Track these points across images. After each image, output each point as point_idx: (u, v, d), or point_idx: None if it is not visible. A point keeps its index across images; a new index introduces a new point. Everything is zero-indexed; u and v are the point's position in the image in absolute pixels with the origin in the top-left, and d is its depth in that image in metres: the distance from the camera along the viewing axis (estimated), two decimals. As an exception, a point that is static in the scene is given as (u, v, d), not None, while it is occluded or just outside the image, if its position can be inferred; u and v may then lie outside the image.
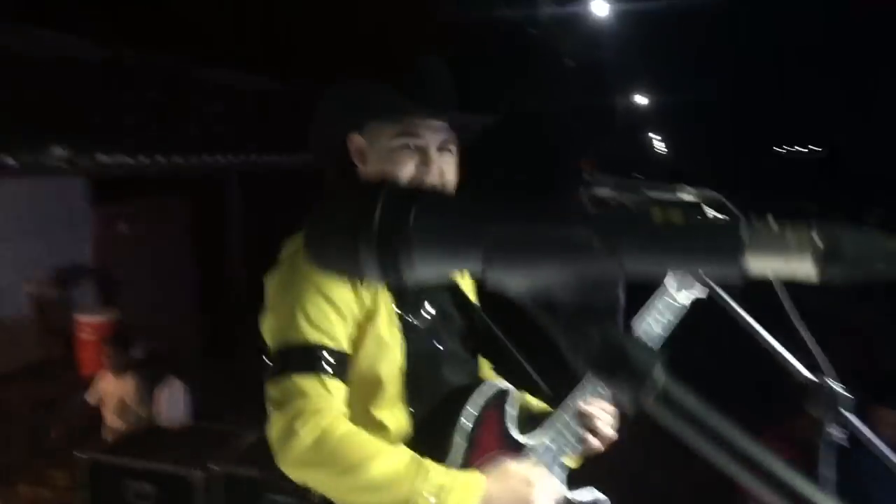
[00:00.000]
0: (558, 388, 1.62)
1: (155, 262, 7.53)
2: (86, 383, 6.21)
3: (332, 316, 1.44)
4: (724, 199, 1.26)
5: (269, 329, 1.46)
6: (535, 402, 1.71)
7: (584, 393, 1.59)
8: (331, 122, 1.61)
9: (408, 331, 1.51)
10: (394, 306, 1.51)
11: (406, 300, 1.54)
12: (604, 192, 1.35)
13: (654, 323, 1.65)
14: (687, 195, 1.32)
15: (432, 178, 1.55)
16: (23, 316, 6.29)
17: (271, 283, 1.49)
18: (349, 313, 1.46)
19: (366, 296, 1.49)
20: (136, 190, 7.15)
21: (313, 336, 1.41)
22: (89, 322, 6.24)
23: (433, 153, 1.55)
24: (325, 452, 1.34)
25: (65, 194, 6.70)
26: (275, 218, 4.07)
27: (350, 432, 1.37)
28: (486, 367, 1.75)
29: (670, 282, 1.66)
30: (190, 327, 7.55)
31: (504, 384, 1.59)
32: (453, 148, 1.60)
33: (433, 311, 1.57)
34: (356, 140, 1.59)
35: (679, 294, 1.66)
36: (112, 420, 4.63)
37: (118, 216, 7.23)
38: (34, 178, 5.63)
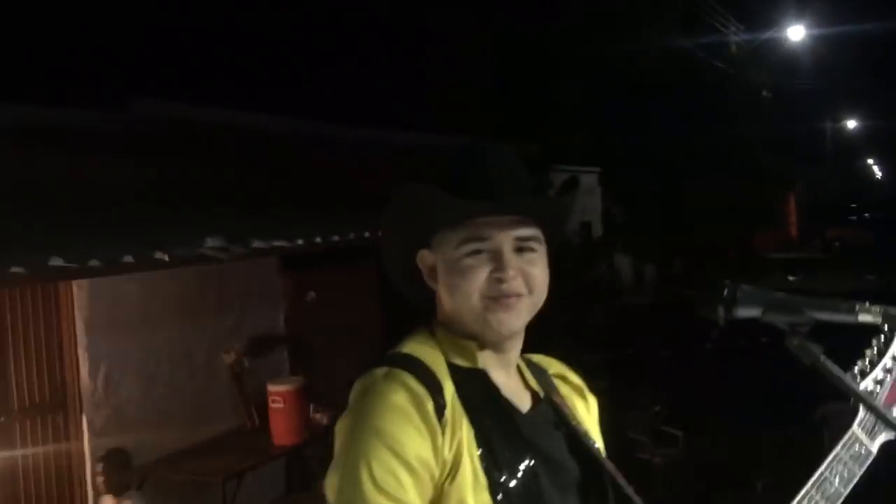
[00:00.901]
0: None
1: (344, 330, 7.65)
2: (277, 452, 6.39)
3: (404, 477, 1.18)
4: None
5: (329, 487, 1.22)
6: None
7: None
8: (397, 242, 1.39)
9: (498, 492, 1.21)
10: (479, 461, 1.22)
11: (496, 451, 1.24)
12: (748, 312, 1.05)
13: (836, 478, 1.28)
14: (867, 316, 0.99)
15: (512, 286, 1.29)
16: (219, 388, 6.54)
17: (339, 431, 1.26)
18: (425, 471, 1.19)
19: (446, 447, 1.21)
20: (324, 258, 7.34)
21: (379, 502, 1.16)
22: (279, 390, 6.39)
23: (508, 255, 1.29)
24: None
25: (258, 266, 6.97)
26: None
27: None
28: None
29: (861, 429, 1.30)
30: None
31: None
32: (538, 245, 1.33)
33: (532, 463, 1.26)
34: (426, 258, 1.36)
35: (873, 441, 1.29)
36: None
37: (307, 285, 7.43)
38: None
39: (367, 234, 5.18)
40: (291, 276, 7.36)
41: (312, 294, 7.27)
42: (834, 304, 1.03)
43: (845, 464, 1.32)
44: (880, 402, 1.36)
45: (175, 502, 5.89)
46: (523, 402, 1.37)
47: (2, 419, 5.08)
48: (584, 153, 15.47)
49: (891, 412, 1.36)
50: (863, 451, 1.34)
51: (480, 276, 1.29)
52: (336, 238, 5.34)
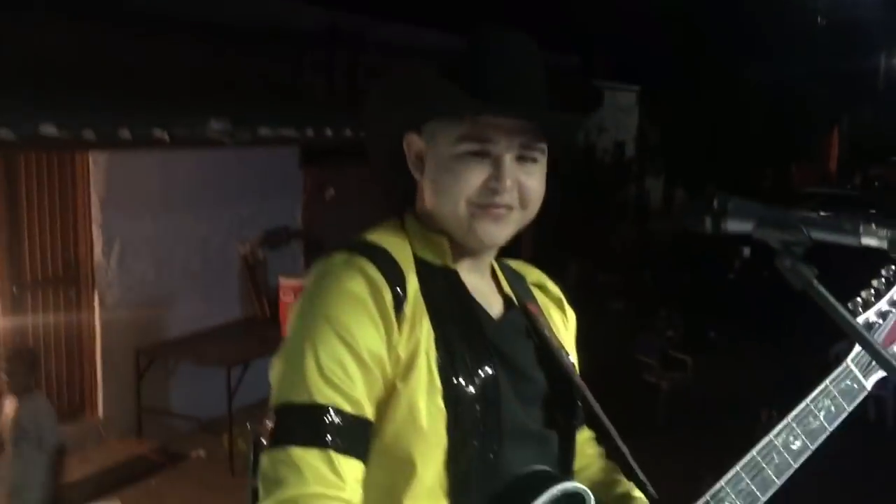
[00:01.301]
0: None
1: (360, 229, 7.60)
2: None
3: (352, 368, 1.08)
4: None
5: (273, 375, 1.13)
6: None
7: None
8: (383, 118, 1.26)
9: (454, 398, 1.11)
10: (436, 364, 1.12)
11: (455, 354, 1.14)
12: (739, 226, 0.95)
13: (822, 412, 1.19)
14: (872, 239, 0.89)
15: (506, 198, 1.17)
16: (232, 277, 6.56)
17: (290, 316, 1.16)
18: (376, 366, 1.10)
19: (402, 344, 1.11)
20: (345, 156, 7.24)
21: (324, 394, 1.07)
22: (291, 284, 6.39)
23: (509, 163, 1.16)
24: None
25: (280, 158, 6.90)
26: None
27: None
28: (588, 448, 1.37)
29: (855, 364, 1.21)
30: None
31: (580, 487, 1.18)
32: (540, 156, 1.20)
33: (494, 371, 1.16)
34: (414, 143, 1.23)
35: (868, 378, 1.20)
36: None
37: (327, 181, 7.35)
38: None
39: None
40: (312, 171, 7.28)
41: (331, 191, 7.20)
42: (835, 224, 0.92)
43: (833, 398, 1.24)
44: (881, 336, 1.27)
45: (180, 385, 6.00)
46: (493, 307, 1.27)
47: (15, 290, 5.13)
48: (624, 70, 15.02)
49: (890, 349, 1.26)
50: (855, 386, 1.25)
51: (474, 182, 1.17)
52: (348, 133, 5.20)
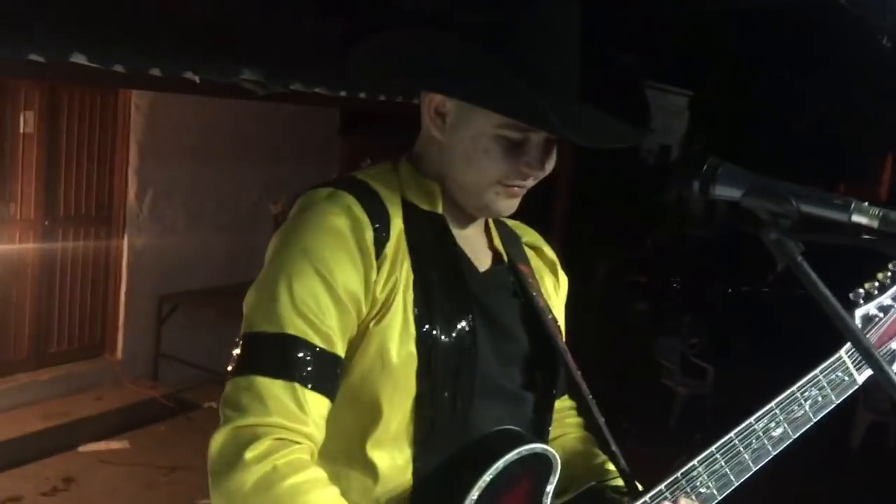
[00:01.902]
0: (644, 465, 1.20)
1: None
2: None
3: (326, 303, 1.06)
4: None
5: (246, 303, 1.12)
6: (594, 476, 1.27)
7: (675, 488, 1.15)
8: (414, 63, 1.18)
9: (427, 346, 1.09)
10: (412, 308, 1.10)
11: (434, 301, 1.11)
12: (727, 191, 0.92)
13: (807, 402, 1.16)
14: (863, 217, 0.85)
15: (532, 180, 1.16)
16: (261, 236, 6.60)
17: (269, 248, 1.15)
18: (352, 305, 1.08)
19: (380, 284, 1.09)
20: (384, 126, 7.24)
21: (296, 326, 1.05)
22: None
23: (544, 151, 1.14)
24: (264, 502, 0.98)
25: (320, 124, 6.91)
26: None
27: (307, 485, 0.99)
28: (567, 417, 1.34)
29: (848, 356, 1.17)
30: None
31: (548, 450, 1.15)
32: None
33: (473, 323, 1.13)
34: (436, 100, 1.17)
35: (861, 372, 1.17)
36: None
37: (365, 150, 7.35)
38: (291, 104, 5.83)
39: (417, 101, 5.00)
40: (350, 139, 7.29)
41: (368, 161, 7.20)
42: (826, 197, 0.89)
43: (821, 388, 1.21)
44: (881, 330, 1.22)
45: (199, 336, 6.07)
46: (481, 260, 1.25)
47: (47, 224, 5.21)
48: (678, 74, 14.82)
49: (888, 346, 1.22)
50: (846, 379, 1.22)
51: (506, 166, 1.14)
52: (382, 98, 5.17)
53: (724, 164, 0.96)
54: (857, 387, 1.22)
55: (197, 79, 3.44)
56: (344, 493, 1.05)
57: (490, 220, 1.32)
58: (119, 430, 5.16)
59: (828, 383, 1.22)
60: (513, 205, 1.21)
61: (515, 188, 1.17)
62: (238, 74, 3.62)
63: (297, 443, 1.03)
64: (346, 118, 7.20)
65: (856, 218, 0.86)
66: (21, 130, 4.93)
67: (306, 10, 3.89)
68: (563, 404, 1.38)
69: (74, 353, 5.48)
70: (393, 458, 1.09)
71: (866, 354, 0.87)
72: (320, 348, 1.06)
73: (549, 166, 1.18)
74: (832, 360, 1.22)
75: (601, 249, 9.46)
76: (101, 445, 4.94)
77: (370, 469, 1.09)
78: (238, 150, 6.24)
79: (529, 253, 1.35)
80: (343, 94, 4.46)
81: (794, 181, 0.94)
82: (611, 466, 1.28)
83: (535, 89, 1.08)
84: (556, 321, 1.29)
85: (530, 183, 1.18)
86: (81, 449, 4.86)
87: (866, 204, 0.86)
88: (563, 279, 1.40)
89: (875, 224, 0.85)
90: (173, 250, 5.88)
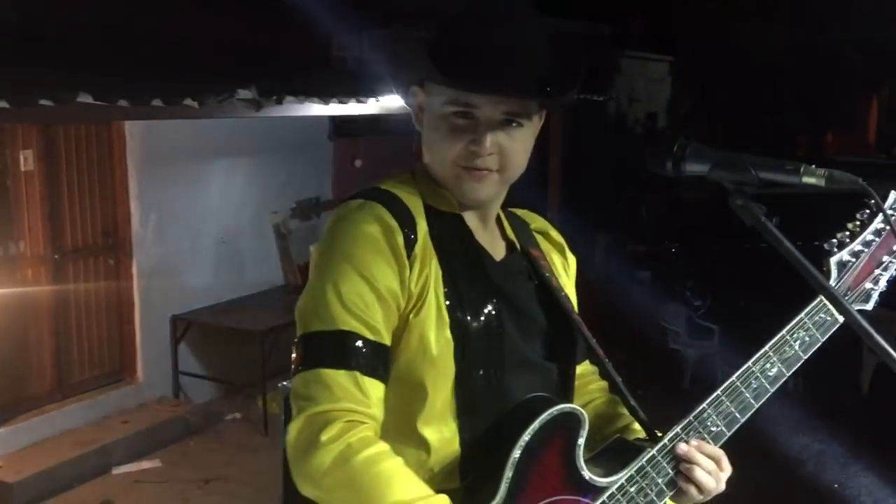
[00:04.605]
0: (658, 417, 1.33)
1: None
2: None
3: (371, 299, 1.20)
4: (866, 186, 0.92)
5: (298, 309, 1.26)
6: (620, 431, 1.41)
7: (689, 430, 1.28)
8: (397, 68, 1.37)
9: (460, 331, 1.24)
10: (444, 299, 1.24)
11: (461, 291, 1.26)
12: (696, 167, 1.04)
13: (797, 342, 1.29)
14: (811, 178, 0.98)
15: (486, 161, 1.26)
16: (264, 246, 6.72)
17: (312, 257, 1.30)
18: (392, 300, 1.22)
19: (413, 281, 1.23)
20: (375, 129, 7.34)
21: (348, 322, 1.19)
22: (322, 254, 6.54)
23: (490, 129, 1.24)
24: (344, 477, 1.12)
25: (310, 130, 7.02)
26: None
27: (378, 457, 1.13)
28: (591, 382, 1.47)
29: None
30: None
31: (576, 408, 1.29)
32: (526, 121, 1.28)
33: (497, 307, 1.28)
34: (418, 94, 1.34)
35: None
36: None
37: (357, 153, 7.47)
38: (280, 111, 5.95)
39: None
40: (342, 143, 7.40)
41: (359, 162, 7.33)
42: (779, 164, 1.02)
43: (808, 330, 1.34)
44: (854, 273, 1.36)
45: (215, 350, 6.20)
46: (496, 250, 1.40)
47: (57, 258, 5.33)
48: (657, 40, 14.88)
49: (862, 286, 1.36)
50: (829, 319, 1.35)
51: (458, 145, 1.26)
52: (374, 105, 5.30)
53: (691, 143, 1.09)
54: (838, 324, 1.35)
55: (196, 104, 3.56)
56: None
57: (501, 212, 1.45)
58: (149, 450, 5.30)
59: (813, 324, 1.35)
60: (482, 188, 1.30)
61: (474, 170, 1.28)
62: (233, 95, 3.74)
63: (364, 423, 1.17)
64: (336, 122, 7.31)
65: (805, 179, 0.99)
66: (22, 169, 5.05)
67: (294, 25, 4.01)
68: (586, 369, 1.53)
69: (97, 380, 5.61)
70: (441, 432, 1.24)
71: (831, 298, 1.01)
72: (371, 340, 1.20)
73: (511, 147, 1.27)
74: (814, 303, 1.35)
75: (598, 220, 9.56)
76: (133, 466, 5.08)
77: (423, 444, 1.23)
78: (233, 164, 6.36)
79: (538, 238, 1.50)
80: (334, 102, 4.59)
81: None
82: (637, 426, 1.42)
83: (460, 57, 1.23)
84: (568, 298, 1.43)
85: (486, 165, 1.27)
86: (115, 471, 5.00)
87: (813, 166, 0.99)
88: (572, 259, 1.54)
89: (822, 183, 0.98)
90: (181, 269, 6.01)
